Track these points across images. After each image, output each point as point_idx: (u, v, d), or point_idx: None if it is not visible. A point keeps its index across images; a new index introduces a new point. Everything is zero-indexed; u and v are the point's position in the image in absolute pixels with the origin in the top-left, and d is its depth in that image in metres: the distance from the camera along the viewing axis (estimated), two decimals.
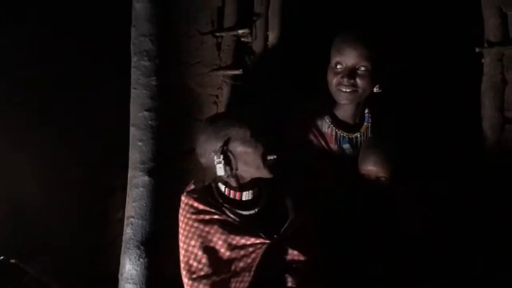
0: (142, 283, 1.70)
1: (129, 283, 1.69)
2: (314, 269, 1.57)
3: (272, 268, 1.54)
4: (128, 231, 1.68)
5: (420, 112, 2.06)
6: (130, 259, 1.68)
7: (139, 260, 1.68)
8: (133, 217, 1.68)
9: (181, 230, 1.62)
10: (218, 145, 1.56)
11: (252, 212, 1.63)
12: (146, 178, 1.67)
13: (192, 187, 1.70)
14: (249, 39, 2.02)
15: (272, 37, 1.99)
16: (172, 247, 1.68)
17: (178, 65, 1.99)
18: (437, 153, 1.88)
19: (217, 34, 2.00)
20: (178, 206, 1.60)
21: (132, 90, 1.67)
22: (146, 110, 1.66)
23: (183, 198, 1.66)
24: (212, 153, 1.58)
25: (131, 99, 1.67)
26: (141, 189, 1.67)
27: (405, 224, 1.71)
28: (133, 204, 1.67)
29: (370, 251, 1.69)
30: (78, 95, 1.88)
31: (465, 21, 1.99)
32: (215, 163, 1.57)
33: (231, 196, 1.63)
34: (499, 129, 1.81)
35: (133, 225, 1.68)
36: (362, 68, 1.72)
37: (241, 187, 1.63)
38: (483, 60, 1.84)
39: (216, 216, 1.59)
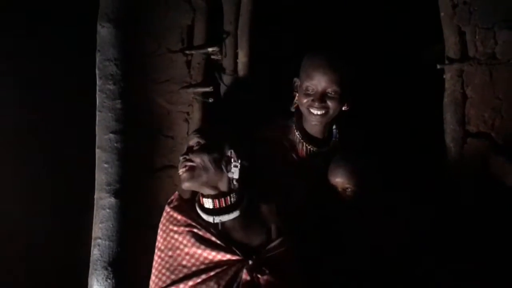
0: None
1: None
2: None
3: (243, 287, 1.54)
4: (95, 252, 1.68)
5: (386, 126, 2.12)
6: (97, 280, 1.68)
7: (106, 281, 1.69)
8: (100, 238, 1.69)
9: (160, 239, 1.64)
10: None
11: (210, 219, 1.63)
12: (113, 199, 1.68)
13: (177, 195, 1.72)
14: (219, 57, 2.04)
15: (241, 54, 2.01)
16: (139, 267, 1.68)
17: (148, 83, 2.00)
18: (402, 166, 1.94)
19: (187, 52, 2.02)
20: (145, 226, 1.60)
21: (98, 113, 1.69)
22: (112, 133, 1.68)
23: (166, 207, 1.69)
24: None
25: (97, 122, 1.70)
26: (107, 210, 1.68)
27: (372, 234, 1.74)
28: (100, 225, 1.68)
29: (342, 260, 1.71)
30: (46, 117, 1.88)
31: (430, 39, 2.06)
32: None
33: (198, 200, 1.67)
34: (460, 142, 1.86)
35: (100, 246, 1.69)
36: (332, 92, 1.78)
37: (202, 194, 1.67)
38: (444, 76, 1.90)
39: (195, 230, 1.61)
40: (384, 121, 2.20)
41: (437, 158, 1.94)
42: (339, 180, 1.77)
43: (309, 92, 1.79)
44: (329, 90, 1.77)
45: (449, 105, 1.88)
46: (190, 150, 1.65)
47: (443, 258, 1.80)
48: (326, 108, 1.79)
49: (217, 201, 1.64)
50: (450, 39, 1.88)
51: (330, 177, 1.80)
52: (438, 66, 1.88)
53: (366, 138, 1.95)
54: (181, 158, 1.64)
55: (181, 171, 1.62)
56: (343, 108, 1.85)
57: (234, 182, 1.65)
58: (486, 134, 1.86)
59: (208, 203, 1.65)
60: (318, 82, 1.77)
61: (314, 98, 1.78)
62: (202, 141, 1.65)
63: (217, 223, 1.63)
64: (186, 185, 1.62)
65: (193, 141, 1.67)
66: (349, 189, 1.77)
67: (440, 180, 1.90)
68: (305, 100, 1.80)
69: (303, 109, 1.83)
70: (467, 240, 1.80)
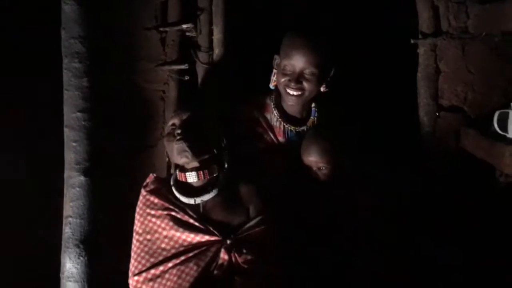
0: (84, 281, 1.72)
1: (70, 281, 1.70)
2: (265, 277, 1.58)
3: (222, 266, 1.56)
4: (67, 231, 1.69)
5: (362, 102, 2.14)
6: (70, 258, 1.69)
7: (79, 258, 1.70)
8: (71, 216, 1.69)
9: (137, 223, 1.64)
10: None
11: (191, 201, 1.64)
12: (82, 178, 1.69)
13: (152, 178, 1.71)
14: (194, 34, 2.02)
15: (216, 31, 1.99)
16: (111, 244, 1.69)
17: (123, 61, 1.98)
18: (377, 141, 1.96)
19: (161, 29, 2.00)
20: (121, 205, 1.61)
21: (65, 92, 1.68)
22: (79, 111, 1.67)
23: (142, 190, 1.69)
24: None
25: (64, 101, 1.69)
26: (77, 189, 1.69)
27: (348, 211, 1.76)
28: (71, 204, 1.69)
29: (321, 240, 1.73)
30: (13, 97, 1.85)
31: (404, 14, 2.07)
32: None
33: (179, 178, 1.67)
34: (434, 116, 1.89)
35: (72, 224, 1.69)
36: (309, 73, 1.78)
37: (183, 169, 1.67)
38: (418, 51, 1.91)
39: (173, 213, 1.61)
40: (360, 96, 2.22)
41: (411, 131, 1.96)
42: (313, 159, 1.76)
43: (286, 72, 1.79)
44: (306, 71, 1.77)
45: (423, 80, 1.90)
46: (181, 126, 1.64)
47: (420, 228, 1.85)
48: (302, 89, 1.79)
49: (201, 173, 1.65)
50: (424, 14, 1.89)
51: (303, 157, 1.78)
52: (412, 41, 1.90)
53: (342, 114, 1.96)
54: (175, 133, 1.63)
55: (176, 147, 1.61)
56: (322, 90, 1.86)
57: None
58: (459, 107, 1.89)
59: (192, 177, 1.65)
60: (296, 62, 1.77)
61: (291, 78, 1.78)
62: (188, 117, 1.66)
63: (198, 205, 1.64)
64: (183, 160, 1.63)
65: (180, 118, 1.66)
66: (324, 167, 1.77)
67: (414, 152, 1.93)
68: (282, 79, 1.80)
69: (280, 88, 1.83)
70: (442, 212, 1.85)
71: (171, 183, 1.68)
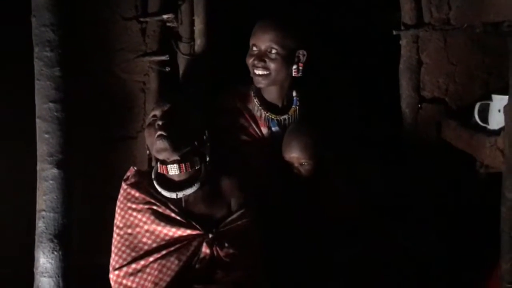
0: (58, 276, 1.68)
1: (45, 276, 1.67)
2: (246, 270, 1.57)
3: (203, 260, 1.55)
4: (40, 225, 1.66)
5: (345, 93, 2.14)
6: (43, 253, 1.66)
7: (53, 253, 1.67)
8: (44, 210, 1.66)
9: (118, 217, 1.63)
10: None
11: (173, 195, 1.62)
12: (55, 170, 1.65)
13: (133, 171, 1.69)
14: (174, 24, 1.99)
15: (198, 21, 1.96)
16: (86, 238, 1.66)
17: (102, 51, 1.94)
18: (360, 133, 1.96)
19: (142, 19, 1.96)
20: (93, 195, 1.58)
21: (36, 81, 1.63)
22: (51, 102, 1.63)
23: (122, 184, 1.66)
24: None
25: (36, 91, 1.64)
26: (50, 182, 1.65)
27: (331, 205, 1.76)
28: (44, 197, 1.65)
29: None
30: None
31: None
32: None
33: (160, 170, 1.66)
34: (415, 107, 1.90)
35: (45, 218, 1.66)
36: (273, 51, 1.79)
37: (164, 161, 1.65)
38: (400, 42, 1.91)
39: (154, 207, 1.60)
40: (342, 86, 2.22)
41: (393, 122, 1.97)
42: (294, 155, 1.76)
43: (253, 52, 1.82)
44: (270, 49, 1.79)
45: (405, 71, 1.90)
46: (163, 117, 1.61)
47: (401, 220, 1.86)
48: (267, 68, 1.80)
49: (183, 165, 1.63)
50: (406, 5, 1.88)
51: (284, 154, 1.78)
52: (394, 32, 1.89)
53: (324, 105, 1.96)
54: (156, 125, 1.60)
55: (157, 139, 1.59)
56: (293, 74, 1.85)
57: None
58: (440, 99, 1.89)
59: (173, 169, 1.63)
60: (260, 41, 1.80)
61: (255, 57, 1.80)
62: (169, 108, 1.64)
63: (180, 199, 1.62)
64: (164, 152, 1.60)
65: (162, 109, 1.64)
66: (305, 163, 1.76)
67: (396, 143, 1.93)
68: (249, 60, 1.83)
69: (250, 70, 1.84)
70: (423, 203, 1.86)
71: (153, 176, 1.66)
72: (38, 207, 1.67)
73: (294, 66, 1.84)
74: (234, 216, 1.62)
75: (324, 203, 1.76)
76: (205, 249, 1.54)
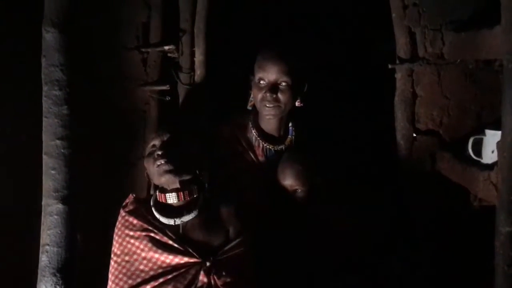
0: None
1: None
2: None
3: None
4: (44, 259, 1.66)
5: (340, 123, 2.17)
6: (46, 287, 1.66)
7: (55, 287, 1.67)
8: (48, 244, 1.67)
9: (115, 244, 1.63)
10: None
11: (171, 222, 1.63)
12: (60, 206, 1.67)
13: (132, 198, 1.71)
14: (175, 55, 2.04)
15: (198, 52, 2.01)
16: (89, 272, 1.66)
17: (103, 81, 1.98)
18: (354, 163, 1.98)
19: (143, 49, 2.01)
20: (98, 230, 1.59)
21: (44, 119, 1.67)
22: (58, 139, 1.66)
23: (121, 211, 1.68)
24: None
25: (43, 128, 1.67)
26: (55, 216, 1.66)
27: (324, 233, 1.78)
28: (48, 232, 1.66)
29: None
30: None
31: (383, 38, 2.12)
32: None
33: (159, 199, 1.67)
34: (410, 139, 1.93)
35: (49, 252, 1.67)
36: (284, 83, 1.80)
37: (163, 190, 1.68)
38: (395, 76, 1.96)
39: (151, 234, 1.60)
40: (338, 117, 2.25)
41: (388, 154, 2.00)
42: (287, 182, 1.79)
43: (261, 85, 1.81)
44: (280, 81, 1.79)
45: (400, 104, 1.94)
46: (162, 147, 1.64)
47: (394, 248, 1.87)
48: (278, 101, 1.80)
49: (181, 194, 1.64)
50: (401, 39, 1.92)
51: (279, 180, 1.81)
52: (390, 66, 1.94)
53: (320, 135, 1.99)
54: (156, 154, 1.63)
55: (157, 168, 1.62)
56: (296, 104, 1.88)
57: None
58: (435, 131, 1.92)
59: (172, 198, 1.65)
60: (269, 73, 1.78)
61: (266, 90, 1.79)
62: (168, 138, 1.66)
63: (177, 225, 1.63)
64: (163, 181, 1.64)
65: (161, 139, 1.67)
66: (299, 190, 1.79)
67: (391, 174, 1.96)
68: (259, 94, 1.81)
69: (257, 103, 1.84)
70: (416, 232, 1.88)
71: (151, 203, 1.68)
72: (42, 241, 1.68)
73: (299, 97, 1.87)
74: (233, 244, 1.63)
75: (318, 230, 1.78)
76: (202, 278, 1.54)
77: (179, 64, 2.04)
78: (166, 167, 1.60)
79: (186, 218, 1.63)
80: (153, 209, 1.65)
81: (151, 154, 1.66)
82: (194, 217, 1.64)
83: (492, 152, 1.60)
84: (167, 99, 2.03)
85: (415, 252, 1.85)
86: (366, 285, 1.75)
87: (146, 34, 2.01)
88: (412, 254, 1.85)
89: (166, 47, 2.00)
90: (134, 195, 1.72)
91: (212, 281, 1.55)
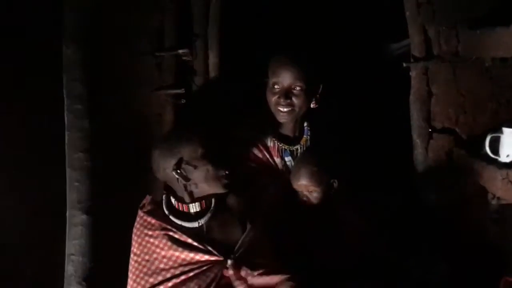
0: None
1: None
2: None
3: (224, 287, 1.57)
4: (70, 268, 1.70)
5: (355, 122, 2.17)
6: None
7: None
8: (73, 254, 1.71)
9: (135, 244, 1.64)
10: (172, 162, 1.60)
11: (195, 224, 1.65)
12: (84, 216, 1.71)
13: (149, 199, 1.72)
14: (189, 58, 2.05)
15: (212, 55, 2.02)
16: (114, 281, 1.68)
17: (119, 86, 1.99)
18: (370, 162, 1.98)
19: (157, 54, 2.02)
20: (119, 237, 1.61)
21: (67, 133, 1.69)
22: (81, 152, 1.68)
23: (138, 211, 1.69)
24: (167, 170, 1.61)
25: (66, 142, 1.70)
26: (80, 227, 1.70)
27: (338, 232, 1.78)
28: (73, 242, 1.70)
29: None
30: (14, 137, 1.86)
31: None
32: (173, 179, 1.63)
33: (180, 208, 1.67)
34: (426, 137, 1.92)
35: (74, 262, 1.71)
36: (297, 88, 1.81)
37: (192, 201, 1.67)
38: (410, 74, 1.95)
39: (170, 233, 1.61)
40: (355, 116, 2.25)
41: (405, 152, 1.99)
42: (303, 183, 1.79)
43: (275, 90, 1.83)
44: (294, 86, 1.80)
45: (415, 102, 1.94)
46: (205, 148, 1.63)
47: (408, 250, 1.87)
48: (292, 105, 1.82)
49: (204, 202, 1.66)
50: (415, 38, 1.92)
51: (293, 182, 1.81)
52: (404, 64, 1.93)
53: (335, 134, 1.99)
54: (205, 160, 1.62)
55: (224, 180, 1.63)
56: (311, 106, 1.89)
57: None
58: (451, 129, 1.92)
59: (195, 207, 1.66)
60: (283, 78, 1.80)
61: (280, 95, 1.81)
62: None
63: (201, 226, 1.64)
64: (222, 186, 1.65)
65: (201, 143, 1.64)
66: (314, 191, 1.79)
67: (407, 172, 1.96)
68: (272, 98, 1.84)
69: (271, 106, 1.86)
70: (432, 233, 1.87)
71: (166, 212, 1.66)
72: (67, 251, 1.72)
73: (313, 100, 1.88)
74: (245, 235, 1.64)
75: (332, 232, 1.78)
76: (226, 274, 1.56)
77: (193, 68, 2.05)
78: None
79: (206, 217, 1.65)
80: (171, 217, 1.65)
81: (200, 160, 1.61)
82: (211, 216, 1.66)
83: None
84: (182, 102, 2.04)
85: (432, 252, 1.85)
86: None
87: (160, 39, 2.02)
88: (430, 255, 1.84)
89: (181, 51, 2.01)
90: (150, 196, 1.74)
91: (243, 274, 1.56)
